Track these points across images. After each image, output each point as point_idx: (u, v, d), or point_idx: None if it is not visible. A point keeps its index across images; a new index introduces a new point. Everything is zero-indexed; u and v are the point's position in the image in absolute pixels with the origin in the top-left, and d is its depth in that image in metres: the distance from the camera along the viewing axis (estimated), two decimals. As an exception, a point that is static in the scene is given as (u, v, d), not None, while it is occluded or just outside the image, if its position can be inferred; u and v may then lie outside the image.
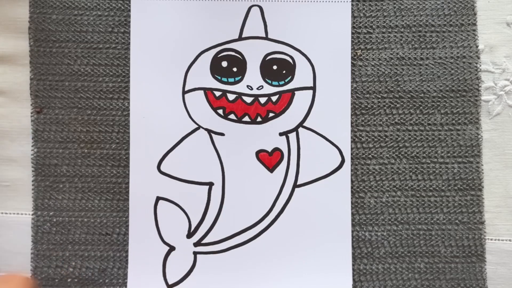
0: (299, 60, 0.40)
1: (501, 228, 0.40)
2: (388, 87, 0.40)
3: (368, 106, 0.40)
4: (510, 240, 0.40)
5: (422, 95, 0.40)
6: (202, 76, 0.40)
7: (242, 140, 0.40)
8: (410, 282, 0.39)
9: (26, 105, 0.40)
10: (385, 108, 0.40)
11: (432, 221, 0.40)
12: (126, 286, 0.39)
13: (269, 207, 0.39)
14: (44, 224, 0.40)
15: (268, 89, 0.40)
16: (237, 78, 0.40)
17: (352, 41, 0.40)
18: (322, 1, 0.39)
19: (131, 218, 0.39)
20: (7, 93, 0.41)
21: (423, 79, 0.40)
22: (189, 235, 0.39)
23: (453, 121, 0.40)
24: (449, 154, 0.40)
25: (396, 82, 0.40)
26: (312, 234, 0.39)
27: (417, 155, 0.40)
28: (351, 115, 0.40)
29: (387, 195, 0.40)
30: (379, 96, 0.40)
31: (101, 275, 0.40)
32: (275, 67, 0.40)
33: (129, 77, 0.40)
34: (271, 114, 0.40)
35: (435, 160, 0.40)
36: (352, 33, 0.40)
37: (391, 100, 0.40)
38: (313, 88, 0.40)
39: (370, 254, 0.40)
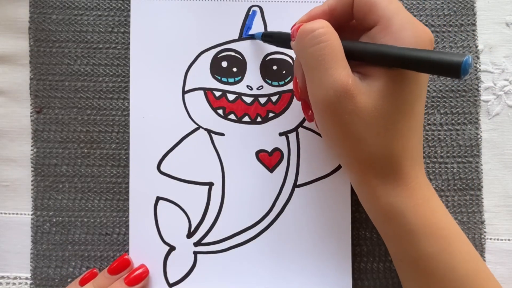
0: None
1: (500, 228, 0.40)
2: (388, 87, 0.40)
3: (368, 106, 0.40)
4: (509, 240, 0.40)
5: (421, 95, 0.40)
6: (202, 76, 0.40)
7: (242, 140, 0.40)
8: (410, 281, 0.39)
9: (26, 105, 0.40)
10: (385, 108, 0.40)
11: (432, 220, 0.40)
12: (126, 286, 0.39)
13: (269, 207, 0.39)
14: (44, 224, 0.40)
15: (268, 89, 0.40)
16: (237, 78, 0.40)
17: (352, 41, 0.40)
18: (322, 1, 0.40)
19: (131, 218, 0.39)
20: (6, 93, 0.41)
21: (423, 79, 0.40)
22: (189, 235, 0.39)
23: (453, 121, 0.40)
24: (448, 154, 0.40)
25: (395, 82, 0.40)
26: (312, 233, 0.39)
27: (417, 155, 0.40)
28: (351, 115, 0.40)
29: (387, 195, 0.40)
30: (379, 96, 0.40)
31: (101, 275, 0.40)
32: (275, 67, 0.40)
33: (129, 77, 0.40)
34: (271, 114, 0.40)
35: (435, 160, 0.40)
36: (352, 33, 0.40)
37: (390, 100, 0.40)
38: (313, 88, 0.40)
39: (370, 253, 0.40)
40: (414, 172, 0.31)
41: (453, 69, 0.24)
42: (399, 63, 0.27)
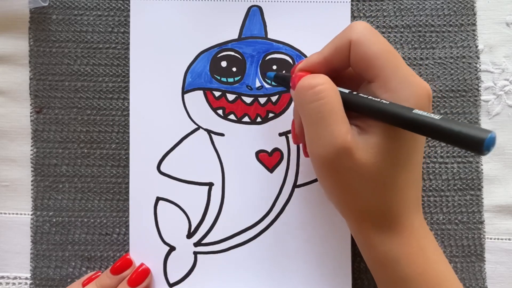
0: (299, 60, 0.40)
1: (500, 228, 0.40)
2: (388, 87, 0.40)
3: (368, 106, 0.40)
4: (509, 239, 0.40)
5: (421, 95, 0.40)
6: (202, 76, 0.40)
7: (242, 141, 0.40)
8: (410, 281, 0.39)
9: (25, 105, 0.40)
10: (385, 108, 0.40)
11: (432, 221, 0.40)
12: (126, 286, 0.39)
13: (269, 207, 0.39)
14: (44, 224, 0.40)
15: (268, 89, 0.40)
16: (236, 78, 0.40)
17: (352, 41, 0.40)
18: (322, 1, 0.39)
19: (131, 218, 0.39)
20: (6, 93, 0.41)
21: (423, 79, 0.40)
22: (189, 235, 0.39)
23: (453, 121, 0.40)
24: (448, 154, 0.40)
25: (395, 82, 0.40)
26: (311, 233, 0.39)
27: (417, 155, 0.40)
28: (351, 115, 0.40)
29: (387, 195, 0.40)
30: (379, 96, 0.40)
31: (101, 275, 0.40)
32: (274, 67, 0.40)
33: (129, 77, 0.40)
34: (271, 115, 0.40)
35: (435, 160, 0.40)
36: (352, 33, 0.40)
37: (390, 100, 0.40)
38: (313, 88, 0.40)
39: (370, 254, 0.40)
40: (410, 221, 0.31)
41: (475, 145, 0.23)
42: (410, 127, 0.26)
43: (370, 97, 0.29)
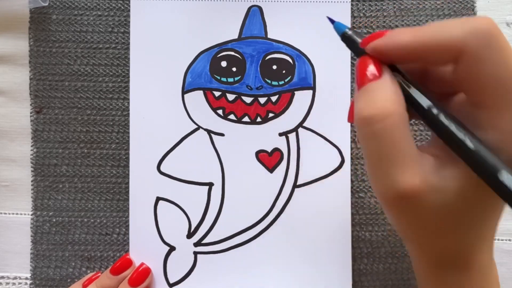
0: (299, 60, 0.40)
1: (500, 228, 0.40)
2: (388, 87, 0.40)
3: (368, 106, 0.40)
4: (509, 240, 0.40)
5: (421, 95, 0.40)
6: (202, 76, 0.40)
7: (242, 141, 0.40)
8: (410, 282, 0.39)
9: (25, 105, 0.40)
10: (385, 108, 0.40)
11: (432, 221, 0.40)
12: (126, 286, 0.39)
13: (269, 207, 0.39)
14: (44, 224, 0.40)
15: (267, 89, 0.40)
16: (236, 78, 0.40)
17: (352, 41, 0.40)
18: (322, 1, 0.39)
19: (131, 218, 0.39)
20: (6, 93, 0.41)
21: (423, 79, 0.40)
22: (189, 235, 0.39)
23: (453, 121, 0.40)
24: (448, 154, 0.40)
25: (396, 82, 0.40)
26: (312, 234, 0.39)
27: (417, 155, 0.40)
28: (351, 115, 0.40)
29: (387, 195, 0.40)
30: (379, 96, 0.40)
31: (101, 275, 0.40)
32: (274, 67, 0.40)
33: (129, 77, 0.40)
34: (270, 114, 0.40)
35: (435, 160, 0.40)
36: (352, 33, 0.40)
37: (391, 100, 0.40)
38: (313, 88, 0.40)
39: (370, 254, 0.40)
40: (479, 259, 0.27)
41: None
42: (495, 190, 0.21)
43: (455, 125, 0.22)
